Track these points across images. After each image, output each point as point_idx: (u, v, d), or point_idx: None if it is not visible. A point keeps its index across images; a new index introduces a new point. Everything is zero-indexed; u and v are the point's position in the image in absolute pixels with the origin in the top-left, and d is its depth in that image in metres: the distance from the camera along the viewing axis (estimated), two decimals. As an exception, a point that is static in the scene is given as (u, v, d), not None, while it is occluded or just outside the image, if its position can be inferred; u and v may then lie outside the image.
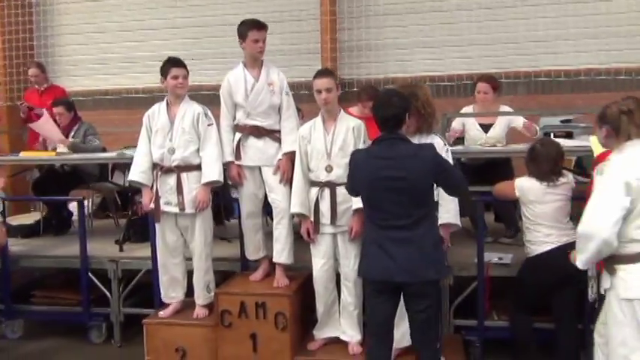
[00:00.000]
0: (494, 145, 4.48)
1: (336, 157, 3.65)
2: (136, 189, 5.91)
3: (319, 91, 3.65)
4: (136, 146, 5.46)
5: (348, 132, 3.67)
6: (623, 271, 2.70)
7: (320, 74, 3.71)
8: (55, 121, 5.26)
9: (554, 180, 3.65)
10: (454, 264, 3.97)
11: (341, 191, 3.63)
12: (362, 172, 3.05)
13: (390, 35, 7.15)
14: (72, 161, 5.15)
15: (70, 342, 4.65)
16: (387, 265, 2.96)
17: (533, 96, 6.79)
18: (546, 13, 6.77)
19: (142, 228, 5.05)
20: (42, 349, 4.56)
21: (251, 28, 3.86)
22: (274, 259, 3.98)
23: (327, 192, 3.67)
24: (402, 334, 3.56)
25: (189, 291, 4.09)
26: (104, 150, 5.36)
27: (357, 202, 3.58)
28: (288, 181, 3.92)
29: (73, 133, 5.29)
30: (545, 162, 3.65)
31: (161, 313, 3.99)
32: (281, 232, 3.94)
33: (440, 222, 3.40)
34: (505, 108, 4.83)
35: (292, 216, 3.96)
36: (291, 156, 3.86)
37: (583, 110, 5.50)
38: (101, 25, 7.84)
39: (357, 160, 3.10)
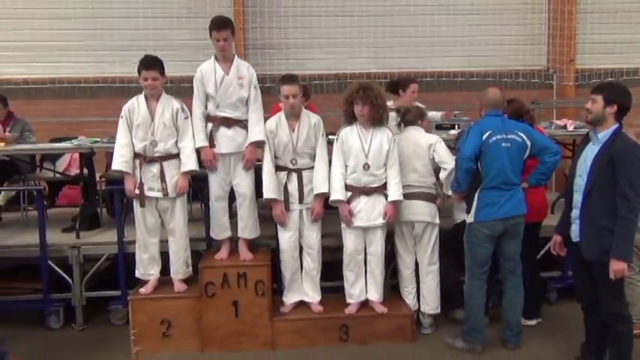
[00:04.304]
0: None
1: (301, 150, 4.26)
2: (67, 180, 6.09)
3: (287, 97, 4.16)
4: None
5: (310, 129, 4.27)
6: None
7: (287, 81, 4.19)
8: None
9: None
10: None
11: (306, 174, 4.27)
12: None
13: (293, 35, 7.86)
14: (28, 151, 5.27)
15: (26, 329, 4.68)
16: None
17: (420, 94, 7.89)
18: (434, 22, 7.97)
19: (89, 217, 5.25)
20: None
21: (211, 29, 4.26)
22: (239, 234, 4.45)
23: (294, 175, 4.28)
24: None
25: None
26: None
27: (318, 188, 4.24)
28: (250, 168, 4.37)
29: (9, 129, 5.28)
30: None
31: (142, 290, 4.30)
32: (244, 212, 4.42)
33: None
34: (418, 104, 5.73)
35: (257, 198, 4.50)
36: (256, 145, 4.32)
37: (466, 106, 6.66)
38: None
39: None
